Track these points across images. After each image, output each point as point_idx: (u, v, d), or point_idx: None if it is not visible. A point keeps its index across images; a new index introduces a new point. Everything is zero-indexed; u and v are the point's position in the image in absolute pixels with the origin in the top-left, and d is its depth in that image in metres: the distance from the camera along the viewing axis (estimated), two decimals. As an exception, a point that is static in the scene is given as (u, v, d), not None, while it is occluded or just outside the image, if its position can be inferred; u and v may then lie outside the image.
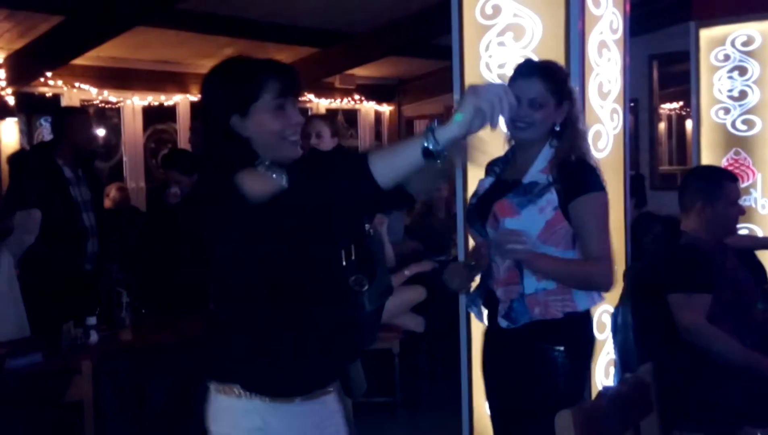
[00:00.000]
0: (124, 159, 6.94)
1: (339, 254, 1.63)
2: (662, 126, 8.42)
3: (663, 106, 8.17)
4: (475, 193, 2.17)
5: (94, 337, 2.93)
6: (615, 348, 2.54)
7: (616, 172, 2.70)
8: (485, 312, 2.17)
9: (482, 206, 2.09)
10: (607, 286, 1.98)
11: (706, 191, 2.45)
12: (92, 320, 2.97)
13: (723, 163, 4.02)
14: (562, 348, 1.94)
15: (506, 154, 2.16)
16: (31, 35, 5.26)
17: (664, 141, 8.70)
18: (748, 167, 4.02)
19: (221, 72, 1.55)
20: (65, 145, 3.91)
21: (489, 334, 2.17)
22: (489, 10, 2.70)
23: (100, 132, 3.98)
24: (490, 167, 2.18)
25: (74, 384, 2.63)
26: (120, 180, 6.67)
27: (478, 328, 2.67)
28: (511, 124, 2.00)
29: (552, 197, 1.96)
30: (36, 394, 2.56)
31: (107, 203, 5.54)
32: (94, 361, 2.74)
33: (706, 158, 4.10)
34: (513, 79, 2.04)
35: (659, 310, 2.36)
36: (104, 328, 3.08)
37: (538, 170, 2.01)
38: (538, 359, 1.98)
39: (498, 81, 2.67)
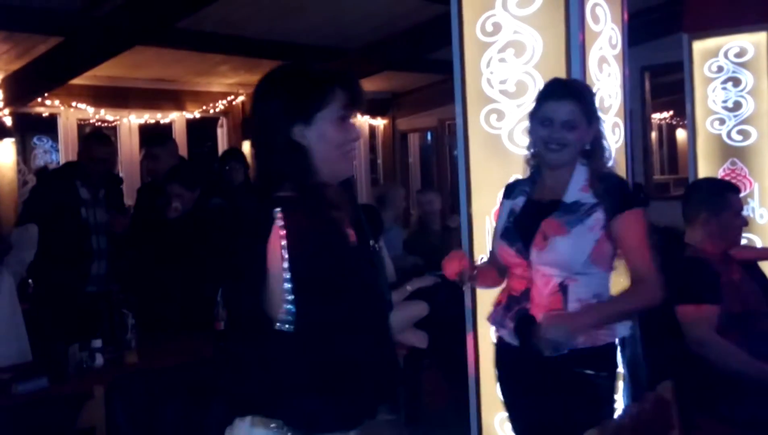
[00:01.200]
0: (121, 177, 6.94)
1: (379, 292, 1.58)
2: (653, 135, 8.50)
3: (654, 115, 8.26)
4: (510, 213, 2.13)
5: (99, 360, 2.90)
6: (623, 362, 2.55)
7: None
8: (506, 331, 2.11)
9: (522, 226, 2.06)
10: (658, 302, 1.97)
11: (711, 203, 2.47)
12: (97, 343, 2.95)
13: (719, 173, 4.06)
14: (605, 374, 1.95)
15: (532, 175, 2.16)
16: (29, 56, 5.28)
17: (656, 150, 8.78)
18: (744, 177, 4.06)
19: (283, 79, 1.50)
20: (84, 167, 3.97)
21: (520, 357, 2.08)
22: (489, 27, 2.73)
23: (108, 156, 4.08)
24: (516, 188, 2.17)
25: (86, 409, 2.60)
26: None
27: (486, 343, 2.68)
28: (545, 146, 2.01)
29: (600, 216, 1.95)
30: (47, 421, 2.52)
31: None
32: (105, 385, 2.71)
33: (703, 169, 4.14)
34: (543, 99, 2.04)
35: (667, 323, 2.38)
36: (110, 350, 3.06)
37: (577, 189, 2.01)
38: (582, 385, 1.95)
39: (500, 96, 2.70)
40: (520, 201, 2.12)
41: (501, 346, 2.18)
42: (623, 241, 1.95)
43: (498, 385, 2.23)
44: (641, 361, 2.50)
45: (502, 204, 2.20)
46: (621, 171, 2.78)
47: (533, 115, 2.08)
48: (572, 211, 1.97)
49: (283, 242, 1.37)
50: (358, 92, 1.51)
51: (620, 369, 2.59)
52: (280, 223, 1.37)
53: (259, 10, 5.37)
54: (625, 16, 2.82)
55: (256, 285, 1.40)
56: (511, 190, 2.19)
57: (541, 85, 2.63)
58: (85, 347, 2.95)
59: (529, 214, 2.06)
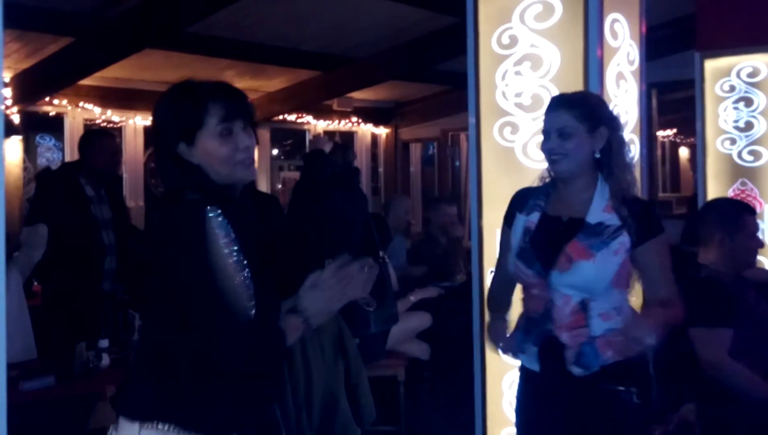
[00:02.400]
0: (125, 178, 6.93)
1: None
2: (657, 153, 8.51)
3: (657, 133, 8.27)
4: (525, 232, 2.03)
5: (106, 359, 2.90)
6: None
7: (632, 203, 2.70)
8: (526, 356, 2.03)
9: (540, 246, 1.97)
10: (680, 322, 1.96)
11: (726, 224, 2.45)
12: (104, 343, 2.95)
13: (729, 193, 4.05)
14: (635, 389, 1.89)
15: (546, 188, 2.08)
16: (39, 56, 5.28)
17: (659, 168, 8.79)
18: (755, 198, 4.04)
19: (169, 98, 1.53)
20: (87, 165, 3.99)
21: (544, 382, 2.01)
22: (506, 40, 2.72)
23: (113, 153, 4.12)
24: (530, 201, 2.07)
25: (98, 410, 2.59)
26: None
27: (493, 358, 2.65)
28: (548, 158, 1.99)
29: (625, 240, 1.91)
30: (58, 421, 2.51)
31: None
32: (116, 385, 2.69)
33: (712, 188, 4.13)
34: (546, 111, 2.03)
35: (680, 345, 2.35)
36: (115, 351, 3.04)
37: (600, 209, 1.95)
38: (613, 403, 1.90)
39: (515, 109, 2.69)
40: (534, 217, 2.03)
41: (523, 374, 2.08)
42: (649, 269, 1.93)
43: (519, 413, 2.12)
44: (653, 382, 2.47)
45: (515, 217, 2.08)
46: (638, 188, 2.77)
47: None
48: (596, 233, 1.92)
49: (226, 239, 1.40)
50: (236, 102, 1.51)
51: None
52: (218, 219, 1.40)
53: (267, 17, 5.37)
54: (643, 29, 2.81)
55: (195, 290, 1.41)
56: (523, 203, 2.08)
57: (557, 100, 2.62)
58: (92, 346, 2.94)
59: (547, 232, 1.98)
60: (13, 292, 2.99)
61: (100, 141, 4.09)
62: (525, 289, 2.06)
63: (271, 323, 1.46)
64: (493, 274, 2.32)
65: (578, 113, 1.95)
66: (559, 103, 2.02)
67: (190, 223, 1.41)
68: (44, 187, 4.33)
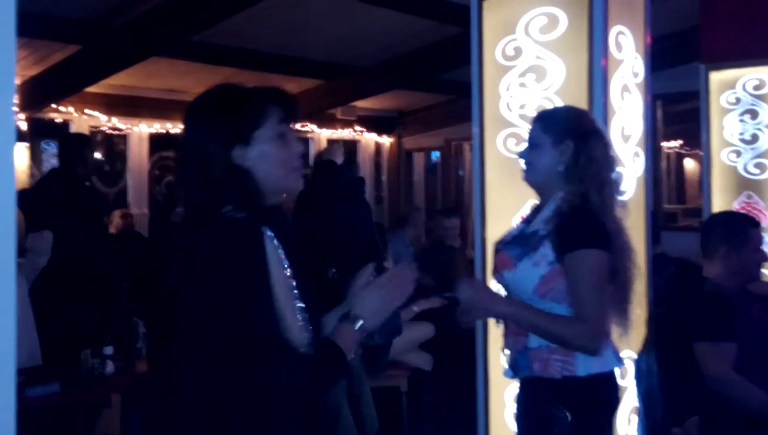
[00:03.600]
0: (129, 185, 6.94)
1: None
2: (662, 164, 8.49)
3: (662, 144, 8.24)
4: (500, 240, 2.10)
5: (110, 367, 2.90)
6: (638, 396, 2.50)
7: (637, 216, 2.68)
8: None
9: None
10: (590, 350, 1.84)
11: (730, 237, 2.44)
12: (109, 350, 2.95)
13: (734, 206, 4.02)
14: (566, 412, 1.83)
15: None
16: (46, 63, 5.32)
17: (664, 179, 8.76)
18: (760, 211, 4.01)
19: (215, 103, 1.44)
20: (83, 169, 3.99)
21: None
22: (510, 51, 2.71)
23: (95, 158, 4.03)
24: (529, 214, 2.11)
25: (104, 417, 2.59)
26: (124, 206, 6.66)
27: (496, 369, 2.63)
28: (522, 170, 2.04)
29: (546, 251, 1.86)
30: (64, 427, 2.51)
31: (111, 230, 5.52)
32: (121, 394, 2.69)
33: (717, 201, 4.10)
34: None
35: (685, 359, 2.34)
36: (120, 358, 3.05)
37: (542, 220, 1.94)
38: (546, 416, 1.88)
39: (519, 120, 2.68)
40: (516, 228, 2.07)
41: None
42: (570, 283, 1.84)
43: None
44: (657, 396, 2.46)
45: None
46: (639, 201, 2.76)
47: None
48: (523, 243, 1.93)
49: (282, 258, 1.31)
50: (292, 105, 1.47)
51: (635, 404, 2.55)
52: (273, 241, 1.30)
53: (272, 26, 5.39)
54: (648, 38, 2.81)
55: (258, 312, 1.29)
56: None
57: (562, 111, 2.62)
58: (97, 354, 2.94)
59: (511, 241, 2.04)
60: (18, 298, 2.99)
61: (89, 147, 4.10)
62: None
63: (331, 346, 1.35)
64: None
65: (545, 125, 1.98)
66: (535, 116, 2.07)
67: (247, 248, 1.28)
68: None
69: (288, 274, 1.32)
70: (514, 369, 1.97)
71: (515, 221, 2.21)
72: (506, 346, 2.00)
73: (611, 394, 1.96)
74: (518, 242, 1.95)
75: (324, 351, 1.35)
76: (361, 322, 1.39)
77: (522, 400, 2.02)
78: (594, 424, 1.91)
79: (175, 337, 1.39)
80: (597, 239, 1.84)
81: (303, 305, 1.33)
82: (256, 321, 1.28)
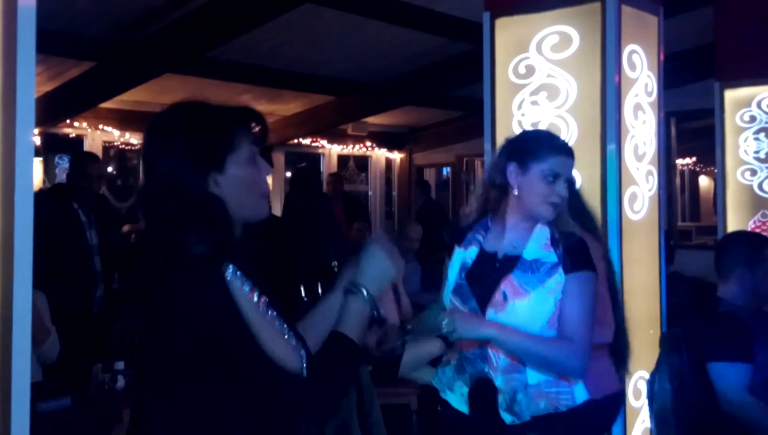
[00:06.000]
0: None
1: None
2: (676, 182, 8.44)
3: (677, 161, 8.20)
4: (462, 267, 1.93)
5: (121, 381, 2.90)
6: (651, 416, 2.47)
7: (650, 234, 2.67)
8: (456, 396, 1.91)
9: (476, 283, 1.88)
10: (573, 372, 1.80)
11: (747, 258, 2.41)
12: (120, 365, 2.96)
13: (750, 225, 3.98)
14: None
15: (486, 223, 1.97)
16: (61, 79, 5.37)
17: (678, 197, 8.71)
18: (775, 230, 3.97)
19: (184, 122, 1.28)
20: (80, 187, 3.95)
21: (471, 428, 1.90)
22: (522, 70, 2.72)
23: (98, 171, 4.00)
24: (468, 235, 1.97)
25: (115, 432, 2.58)
26: (136, 221, 6.68)
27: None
28: (543, 201, 1.84)
29: (561, 280, 1.80)
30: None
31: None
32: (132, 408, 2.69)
33: (732, 220, 4.06)
34: (552, 151, 1.87)
35: (699, 380, 2.30)
36: (129, 373, 3.05)
37: (539, 246, 1.85)
38: None
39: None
40: (472, 253, 1.93)
41: (447, 415, 1.94)
42: (563, 303, 1.79)
43: None
44: (670, 416, 2.42)
45: (453, 251, 1.99)
46: (652, 220, 2.74)
47: (528, 165, 1.86)
48: (532, 270, 1.82)
49: (249, 292, 1.21)
50: (263, 125, 1.34)
51: (647, 424, 2.52)
52: (236, 275, 1.19)
53: (284, 43, 5.42)
54: (661, 56, 2.80)
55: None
56: (462, 236, 1.99)
57: (574, 130, 2.61)
58: (108, 368, 2.95)
59: (483, 269, 1.89)
60: (40, 311, 3.01)
61: (85, 164, 4.03)
62: None
63: (340, 339, 1.27)
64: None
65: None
66: (569, 150, 1.92)
67: (212, 288, 1.18)
68: (40, 211, 4.29)
69: (260, 303, 1.21)
70: (515, 412, 1.80)
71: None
72: (497, 386, 1.82)
73: (599, 419, 1.93)
74: (523, 271, 1.82)
75: (333, 346, 1.28)
76: (362, 294, 1.32)
77: None
78: None
79: (141, 380, 1.30)
80: (591, 262, 1.83)
81: (286, 326, 1.23)
82: (253, 357, 1.19)
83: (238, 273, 1.21)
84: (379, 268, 1.35)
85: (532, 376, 1.80)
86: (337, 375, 1.27)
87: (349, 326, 1.30)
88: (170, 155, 1.26)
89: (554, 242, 1.84)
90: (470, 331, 1.78)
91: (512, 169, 1.87)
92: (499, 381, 1.82)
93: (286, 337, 1.23)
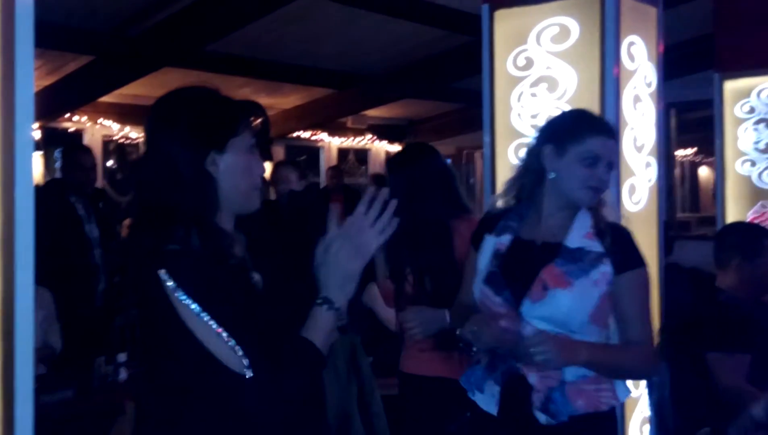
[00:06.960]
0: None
1: None
2: (676, 172, 8.44)
3: (676, 152, 8.20)
4: (495, 254, 1.80)
5: (123, 374, 2.92)
6: (650, 406, 2.49)
7: (649, 226, 2.67)
8: (484, 396, 1.78)
9: (511, 271, 1.76)
10: (649, 374, 1.80)
11: (745, 248, 2.42)
12: (122, 357, 2.98)
13: (749, 216, 3.98)
14: None
15: (520, 209, 1.85)
16: (60, 73, 5.38)
17: (678, 188, 8.71)
18: (774, 221, 3.97)
19: (191, 103, 1.32)
20: (75, 179, 3.96)
21: (502, 427, 1.77)
22: (521, 62, 2.71)
23: (94, 165, 3.99)
24: (501, 223, 1.84)
25: (118, 425, 2.60)
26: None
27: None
28: (583, 185, 1.73)
29: (607, 270, 1.70)
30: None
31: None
32: (135, 401, 2.70)
33: (731, 210, 4.06)
34: (588, 132, 1.74)
35: (697, 370, 2.32)
36: (132, 365, 3.07)
37: (582, 235, 1.74)
38: None
39: (531, 130, 2.68)
40: (505, 240, 1.80)
41: (478, 417, 1.81)
42: (623, 304, 1.72)
43: None
44: (669, 406, 2.44)
45: (483, 238, 1.86)
46: (651, 211, 2.74)
47: (565, 147, 1.74)
48: (575, 259, 1.70)
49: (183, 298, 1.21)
50: (266, 121, 1.38)
51: (646, 414, 2.53)
52: (169, 284, 1.20)
53: (283, 36, 5.42)
54: (661, 48, 2.79)
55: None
56: (493, 223, 1.86)
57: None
58: (111, 361, 2.96)
59: (519, 257, 1.77)
60: (45, 306, 3.03)
61: (77, 156, 4.04)
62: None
63: (299, 341, 1.27)
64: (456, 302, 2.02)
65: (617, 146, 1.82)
66: (609, 129, 1.79)
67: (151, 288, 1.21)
68: (38, 205, 4.29)
69: (194, 310, 1.21)
70: (550, 411, 1.67)
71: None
72: (531, 383, 1.70)
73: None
74: (565, 259, 1.71)
75: (292, 349, 1.28)
76: (327, 306, 1.29)
77: None
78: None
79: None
80: (644, 257, 1.77)
81: (225, 332, 1.21)
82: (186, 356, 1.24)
83: (170, 283, 1.21)
84: (338, 274, 1.29)
85: (571, 373, 1.69)
86: (289, 377, 1.26)
87: (312, 331, 1.29)
88: (174, 128, 1.29)
89: (599, 233, 1.74)
90: (568, 360, 1.62)
91: (548, 151, 1.76)
92: (533, 378, 1.70)
93: (225, 338, 1.21)
